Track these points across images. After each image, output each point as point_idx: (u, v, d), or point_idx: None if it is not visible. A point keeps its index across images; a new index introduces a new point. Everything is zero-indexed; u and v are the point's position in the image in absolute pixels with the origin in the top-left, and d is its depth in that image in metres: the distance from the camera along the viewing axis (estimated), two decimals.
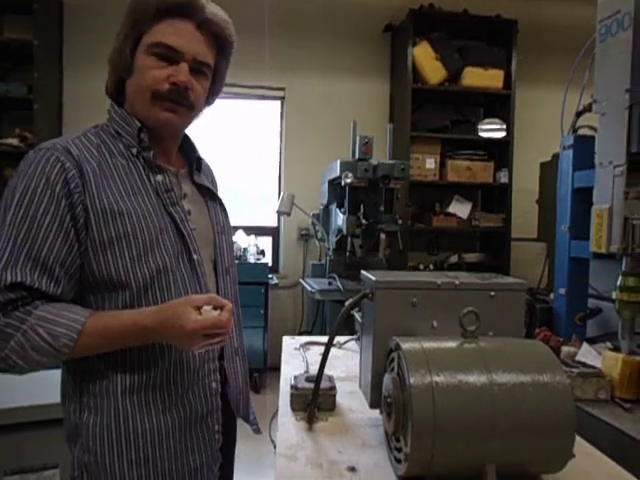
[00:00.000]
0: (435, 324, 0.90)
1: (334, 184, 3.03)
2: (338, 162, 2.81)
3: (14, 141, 3.16)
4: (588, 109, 1.51)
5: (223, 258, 0.99)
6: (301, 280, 3.24)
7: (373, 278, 0.91)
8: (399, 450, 0.75)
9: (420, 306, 0.90)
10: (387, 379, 0.80)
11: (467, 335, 0.79)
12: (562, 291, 1.56)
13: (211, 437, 0.93)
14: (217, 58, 0.91)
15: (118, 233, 0.81)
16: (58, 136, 3.06)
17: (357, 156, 2.82)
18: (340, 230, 2.93)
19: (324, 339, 1.63)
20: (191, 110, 0.89)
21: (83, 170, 0.81)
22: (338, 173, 2.79)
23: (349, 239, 2.89)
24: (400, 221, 2.83)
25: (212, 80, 0.93)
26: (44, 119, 3.20)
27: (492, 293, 0.91)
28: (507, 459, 0.70)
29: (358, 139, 2.83)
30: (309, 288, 2.89)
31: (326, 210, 3.25)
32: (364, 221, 2.81)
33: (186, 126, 0.95)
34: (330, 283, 2.85)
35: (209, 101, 0.98)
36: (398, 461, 0.75)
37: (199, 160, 1.01)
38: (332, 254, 3.09)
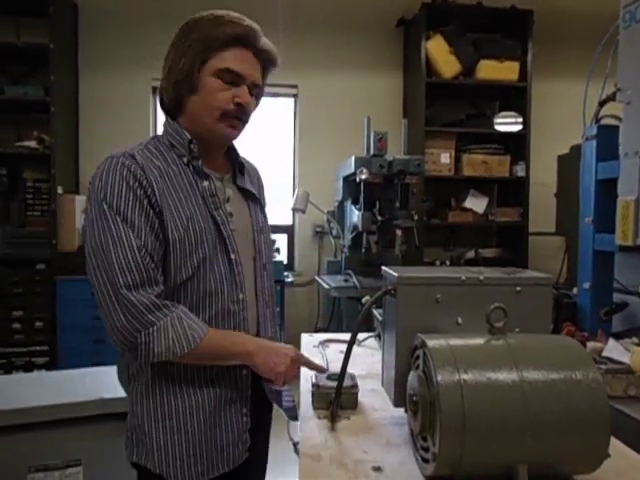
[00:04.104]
0: (460, 320, 0.89)
1: (349, 180, 3.01)
2: (353, 158, 2.79)
3: (32, 143, 3.20)
4: (612, 98, 1.47)
5: (261, 255, 1.07)
6: (317, 277, 3.23)
7: (395, 274, 0.89)
8: (426, 450, 0.73)
9: (444, 302, 0.88)
10: (412, 377, 0.79)
11: (494, 332, 0.77)
12: (586, 285, 1.52)
13: (239, 419, 1.01)
14: (263, 79, 1.03)
15: (177, 232, 0.92)
16: (75, 138, 3.10)
17: (372, 152, 2.80)
18: (355, 226, 2.91)
19: (343, 336, 1.62)
20: (245, 124, 1.02)
21: (147, 173, 0.91)
22: (353, 169, 2.77)
23: (365, 235, 2.87)
24: (416, 217, 2.79)
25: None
26: (61, 121, 3.23)
27: (518, 288, 0.89)
28: (539, 459, 0.68)
29: (372, 135, 2.80)
30: (325, 285, 2.88)
31: (341, 207, 3.23)
32: (379, 217, 2.79)
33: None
34: (346, 280, 2.83)
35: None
36: (425, 461, 0.74)
37: (241, 165, 1.09)
38: (347, 251, 3.07)
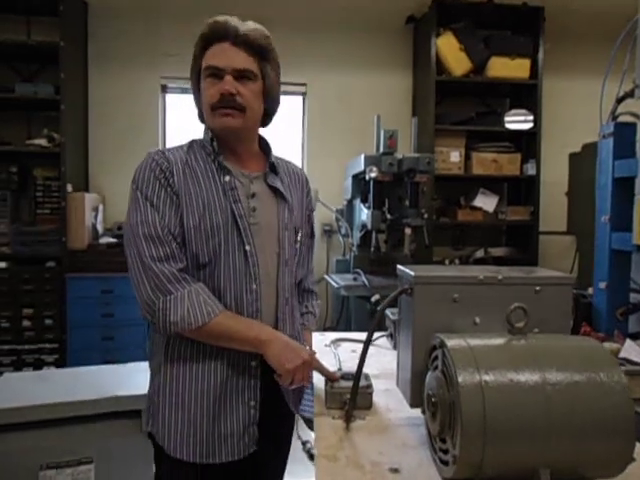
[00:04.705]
0: (477, 320, 0.87)
1: (358, 179, 2.99)
2: (362, 156, 2.77)
3: (42, 142, 3.20)
4: (630, 95, 1.44)
5: (284, 252, 1.10)
6: (325, 276, 3.22)
7: (412, 273, 0.88)
8: (445, 452, 0.72)
9: (461, 302, 0.87)
10: (430, 378, 0.78)
11: (515, 332, 0.76)
12: (602, 285, 1.50)
13: (245, 411, 1.03)
14: (260, 63, 1.05)
15: (192, 219, 0.99)
16: (85, 136, 3.12)
17: (381, 150, 2.78)
18: (365, 225, 2.89)
19: (354, 335, 1.61)
20: (243, 111, 1.03)
21: (172, 165, 1.01)
22: (362, 167, 2.75)
23: (374, 234, 2.85)
24: (426, 215, 2.77)
25: (264, 81, 1.06)
26: (71, 119, 3.23)
27: (537, 288, 0.88)
28: (561, 462, 0.67)
29: (382, 133, 2.79)
30: (334, 284, 2.86)
31: (350, 205, 3.21)
32: (389, 216, 2.77)
33: (247, 127, 1.06)
34: (355, 279, 2.82)
35: (270, 100, 1.10)
36: (444, 463, 0.72)
37: (273, 165, 1.13)
38: (356, 250, 3.06)
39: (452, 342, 0.73)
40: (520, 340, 0.74)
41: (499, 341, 0.74)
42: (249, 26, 1.03)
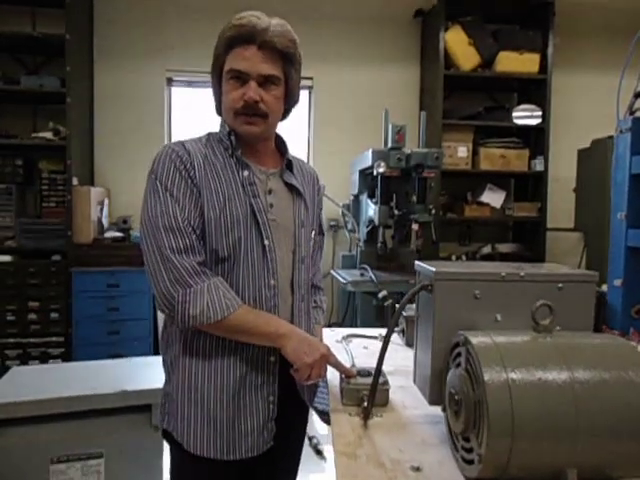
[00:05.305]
0: (499, 317, 0.86)
1: (365, 174, 2.98)
2: (370, 151, 2.75)
3: (48, 134, 3.19)
4: None
5: (300, 249, 1.09)
6: (332, 271, 3.21)
7: (432, 269, 0.86)
8: (469, 451, 0.71)
9: (483, 299, 0.85)
10: (453, 375, 0.76)
11: (540, 329, 0.74)
12: (617, 282, 1.48)
13: (265, 407, 1.02)
14: (285, 67, 1.03)
15: (213, 212, 0.98)
16: (90, 129, 3.09)
17: (389, 145, 2.76)
18: (371, 221, 2.88)
19: (364, 331, 1.60)
20: (266, 118, 1.03)
21: (192, 158, 1.00)
22: (370, 162, 2.74)
23: (381, 230, 2.83)
24: (433, 211, 2.75)
25: (286, 84, 1.05)
26: (76, 112, 3.21)
27: (560, 285, 0.86)
28: (589, 462, 0.66)
29: (390, 127, 2.76)
30: (341, 279, 2.85)
31: (356, 200, 3.20)
32: (396, 211, 2.75)
33: (268, 130, 1.07)
34: (362, 274, 2.81)
35: (291, 101, 1.09)
36: (468, 462, 0.71)
37: (289, 162, 1.13)
38: (363, 245, 3.05)
39: (477, 339, 0.72)
40: (546, 338, 0.73)
41: (525, 338, 0.73)
42: (276, 29, 0.99)
